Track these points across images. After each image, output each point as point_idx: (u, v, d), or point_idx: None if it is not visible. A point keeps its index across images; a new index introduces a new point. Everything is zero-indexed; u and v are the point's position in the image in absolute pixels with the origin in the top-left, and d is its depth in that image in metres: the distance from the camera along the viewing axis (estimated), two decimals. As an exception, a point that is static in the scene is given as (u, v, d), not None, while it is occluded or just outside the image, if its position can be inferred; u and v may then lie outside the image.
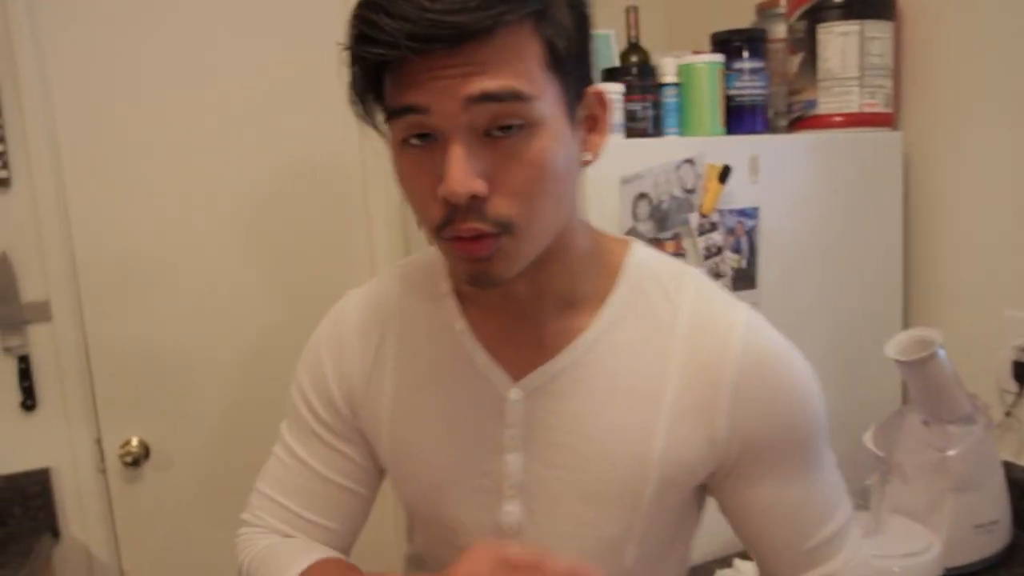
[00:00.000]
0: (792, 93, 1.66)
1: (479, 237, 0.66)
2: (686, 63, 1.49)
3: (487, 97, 0.63)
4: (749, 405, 0.75)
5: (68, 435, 1.90)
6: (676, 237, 1.40)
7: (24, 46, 1.79)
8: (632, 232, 1.38)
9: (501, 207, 0.65)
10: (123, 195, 1.92)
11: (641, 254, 0.81)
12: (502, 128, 0.64)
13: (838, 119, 1.59)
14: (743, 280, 1.46)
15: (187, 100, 1.94)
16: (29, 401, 1.86)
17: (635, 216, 1.37)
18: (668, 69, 1.49)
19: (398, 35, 0.60)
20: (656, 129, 1.47)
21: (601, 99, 0.73)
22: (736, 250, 1.45)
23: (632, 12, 1.77)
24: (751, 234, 1.45)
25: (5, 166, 1.80)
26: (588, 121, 0.72)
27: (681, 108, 1.49)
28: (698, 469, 0.77)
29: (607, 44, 1.71)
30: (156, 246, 1.95)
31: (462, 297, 0.82)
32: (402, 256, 1.97)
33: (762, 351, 0.76)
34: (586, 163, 0.73)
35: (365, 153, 2.06)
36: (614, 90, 1.41)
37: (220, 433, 2.03)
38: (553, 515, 0.78)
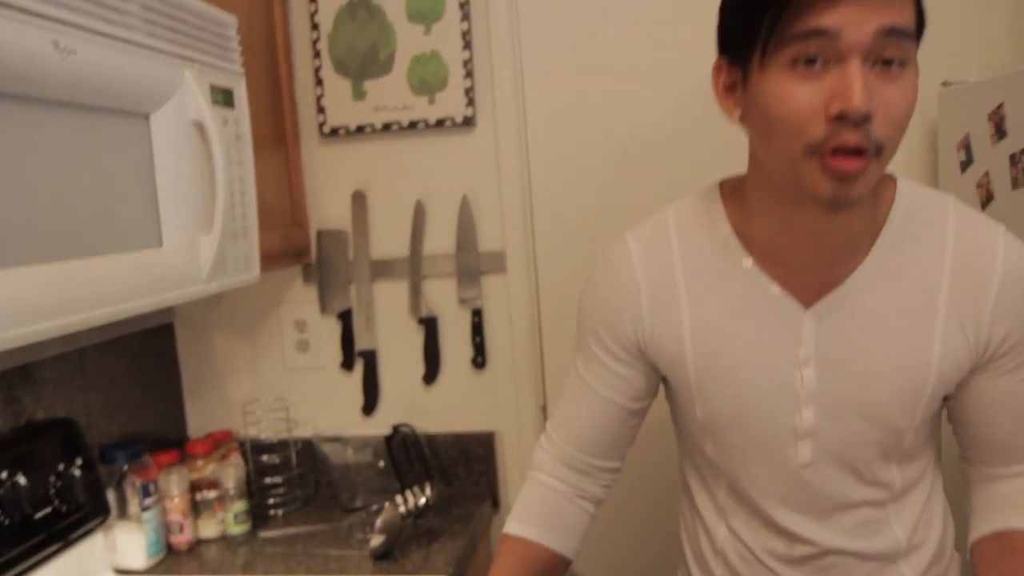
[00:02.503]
0: None
1: (857, 154, 0.76)
2: None
3: (895, 31, 0.74)
4: (1009, 305, 0.88)
5: (514, 398, 1.75)
6: None
7: (497, -25, 1.65)
8: None
9: (881, 129, 0.76)
10: (583, 145, 1.69)
11: (907, 192, 0.92)
12: (887, 61, 0.75)
13: None
14: None
15: (653, 49, 1.64)
16: (479, 358, 1.73)
17: None
18: None
19: None
20: None
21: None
22: None
23: None
24: None
25: (471, 103, 1.68)
26: None
27: None
28: (965, 365, 0.90)
29: None
30: (615, 202, 1.69)
31: (741, 235, 0.92)
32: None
33: (1021, 257, 0.88)
34: None
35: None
36: None
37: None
38: (844, 417, 0.91)
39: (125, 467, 1.47)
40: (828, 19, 0.73)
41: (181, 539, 1.53)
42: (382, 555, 1.44)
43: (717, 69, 0.87)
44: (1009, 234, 0.90)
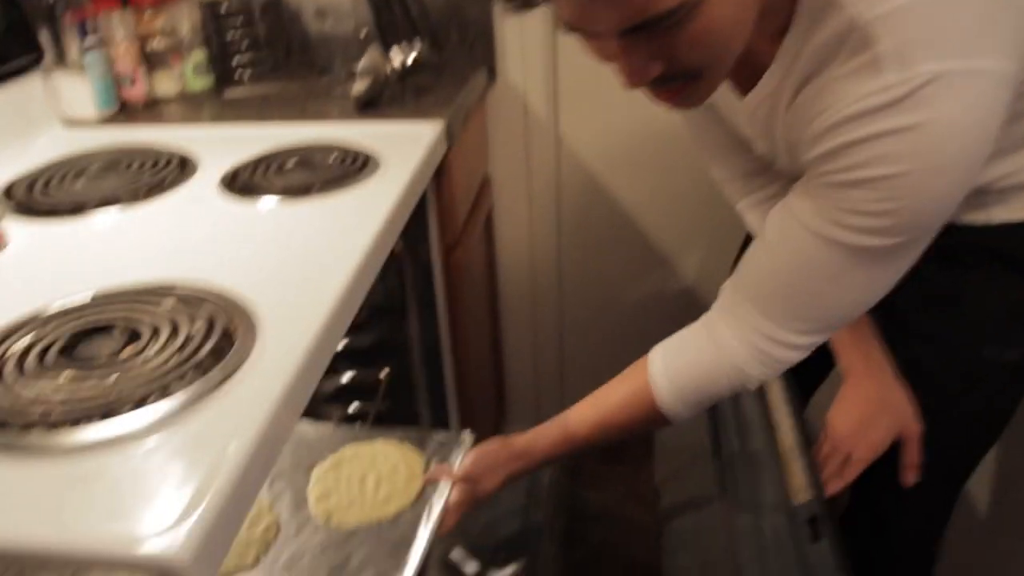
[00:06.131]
0: None
1: (673, 90, 0.68)
2: None
3: (643, 27, 0.59)
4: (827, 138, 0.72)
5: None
6: None
7: None
8: None
9: (677, 67, 0.63)
10: None
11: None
12: (660, 18, 0.58)
13: None
14: None
15: None
16: None
17: None
18: None
19: None
20: None
21: None
22: None
23: None
24: None
25: None
26: None
27: None
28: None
29: None
30: None
31: None
32: None
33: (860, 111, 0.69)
34: None
35: None
36: None
37: None
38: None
39: (52, 1, 1.22)
40: (566, 14, 0.62)
41: (134, 93, 1.33)
42: (367, 103, 1.26)
43: None
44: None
